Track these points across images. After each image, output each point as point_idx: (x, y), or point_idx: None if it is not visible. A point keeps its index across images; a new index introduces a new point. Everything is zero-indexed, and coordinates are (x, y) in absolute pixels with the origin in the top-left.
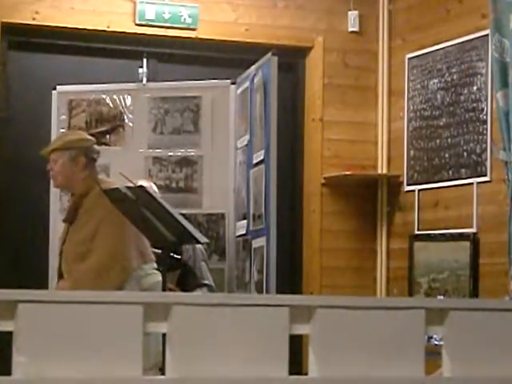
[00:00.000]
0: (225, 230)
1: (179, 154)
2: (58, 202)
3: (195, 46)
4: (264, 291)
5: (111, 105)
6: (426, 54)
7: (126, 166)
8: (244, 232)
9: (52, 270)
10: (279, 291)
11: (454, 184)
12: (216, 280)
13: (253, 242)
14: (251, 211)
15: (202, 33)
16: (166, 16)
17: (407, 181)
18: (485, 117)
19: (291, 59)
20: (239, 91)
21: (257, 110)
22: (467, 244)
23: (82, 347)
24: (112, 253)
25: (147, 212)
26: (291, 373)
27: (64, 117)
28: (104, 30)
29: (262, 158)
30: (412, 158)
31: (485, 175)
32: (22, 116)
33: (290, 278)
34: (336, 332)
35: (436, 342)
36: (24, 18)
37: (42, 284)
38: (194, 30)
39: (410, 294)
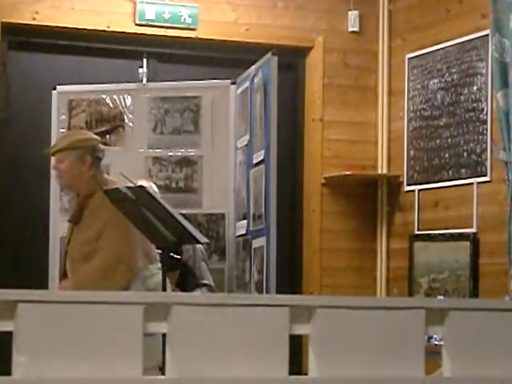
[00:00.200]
0: (225, 230)
1: (179, 153)
2: (58, 202)
3: (195, 46)
4: (264, 291)
5: (111, 105)
6: (426, 53)
7: (126, 165)
8: (244, 232)
9: (52, 270)
10: (279, 291)
11: (454, 184)
12: (216, 280)
13: (253, 241)
14: (251, 211)
15: (201, 33)
16: (166, 16)
17: (407, 181)
18: (485, 117)
19: (291, 59)
20: (239, 91)
21: (257, 110)
22: (467, 244)
23: (81, 347)
24: (118, 253)
25: (147, 212)
26: (291, 373)
27: (64, 117)
28: (104, 30)
29: (262, 158)
30: (412, 158)
31: (485, 175)
32: (22, 116)
33: (290, 278)
34: (336, 332)
35: (436, 342)
36: (24, 18)
37: (42, 284)
38: (194, 30)
39: (410, 294)
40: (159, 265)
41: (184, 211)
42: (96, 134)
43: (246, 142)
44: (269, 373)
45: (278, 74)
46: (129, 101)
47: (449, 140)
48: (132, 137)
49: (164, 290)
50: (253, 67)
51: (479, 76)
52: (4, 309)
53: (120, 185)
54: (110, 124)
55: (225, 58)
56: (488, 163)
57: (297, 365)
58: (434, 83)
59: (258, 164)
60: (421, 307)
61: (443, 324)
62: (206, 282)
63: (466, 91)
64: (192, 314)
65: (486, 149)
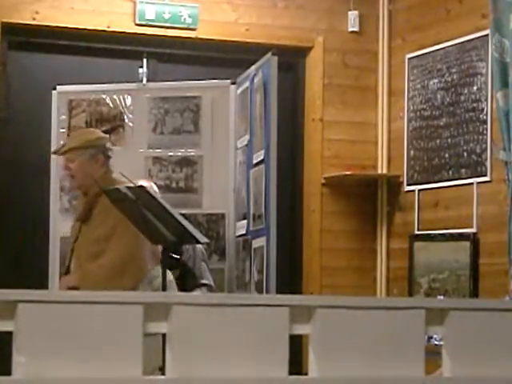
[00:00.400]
0: (225, 230)
1: (179, 153)
2: (58, 202)
3: (195, 46)
4: (264, 291)
5: (111, 105)
6: (426, 53)
7: (126, 165)
8: (244, 232)
9: (52, 270)
10: (279, 291)
11: (454, 184)
12: (216, 280)
13: (253, 241)
14: (251, 211)
15: (202, 33)
16: (166, 16)
17: (407, 181)
18: (485, 117)
19: (291, 59)
20: (239, 91)
21: (257, 110)
22: (467, 244)
23: (82, 347)
24: (129, 253)
25: (147, 212)
26: (291, 373)
27: (64, 117)
28: (104, 30)
29: (262, 158)
30: (412, 158)
31: (485, 175)
32: (22, 116)
33: (290, 278)
34: (336, 332)
35: (436, 342)
36: (24, 17)
37: (42, 284)
38: (194, 30)
39: (410, 294)
40: None
41: (184, 211)
42: None
43: (245, 142)
44: (269, 373)
45: (278, 74)
46: (129, 101)
47: (449, 140)
48: (132, 137)
49: (164, 289)
50: (253, 67)
51: (479, 76)
52: (4, 309)
53: (129, 184)
54: (109, 124)
55: (225, 58)
56: (488, 163)
57: (297, 365)
58: (434, 83)
59: (258, 164)
60: (421, 307)
61: (443, 324)
62: (205, 282)
63: (466, 91)
64: (192, 314)
65: (485, 149)
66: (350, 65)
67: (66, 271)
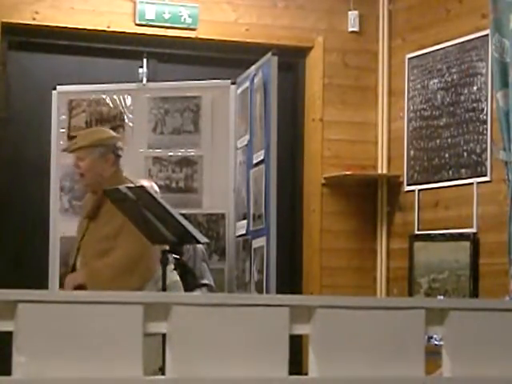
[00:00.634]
0: (225, 230)
1: (179, 153)
2: (58, 202)
3: (195, 46)
4: (264, 291)
5: (111, 105)
6: (426, 54)
7: (126, 165)
8: (244, 232)
9: (52, 270)
10: (279, 291)
11: (454, 184)
12: (216, 280)
13: (253, 241)
14: (251, 211)
15: (201, 33)
16: (166, 16)
17: (407, 181)
18: (485, 117)
19: (291, 59)
20: (239, 91)
21: (257, 110)
22: (467, 244)
23: (82, 347)
24: (138, 252)
25: (147, 212)
26: (291, 373)
27: (64, 117)
28: (104, 30)
29: (262, 158)
30: (412, 158)
31: (485, 175)
32: (22, 116)
33: (290, 278)
34: (336, 332)
35: (436, 342)
36: (24, 18)
37: (42, 284)
38: (194, 30)
39: (410, 294)
40: (172, 265)
41: (184, 211)
42: None
43: (245, 142)
44: (269, 373)
45: (277, 73)
46: (129, 101)
47: (449, 140)
48: (132, 137)
49: (164, 289)
50: (253, 67)
51: (479, 76)
52: (4, 309)
53: (137, 183)
54: (109, 124)
55: (225, 58)
56: (488, 163)
57: (297, 365)
58: (434, 83)
59: (258, 164)
60: (421, 307)
61: (443, 324)
62: (206, 282)
63: (466, 91)
64: (192, 314)
65: (486, 149)
66: (350, 65)
67: (71, 269)
